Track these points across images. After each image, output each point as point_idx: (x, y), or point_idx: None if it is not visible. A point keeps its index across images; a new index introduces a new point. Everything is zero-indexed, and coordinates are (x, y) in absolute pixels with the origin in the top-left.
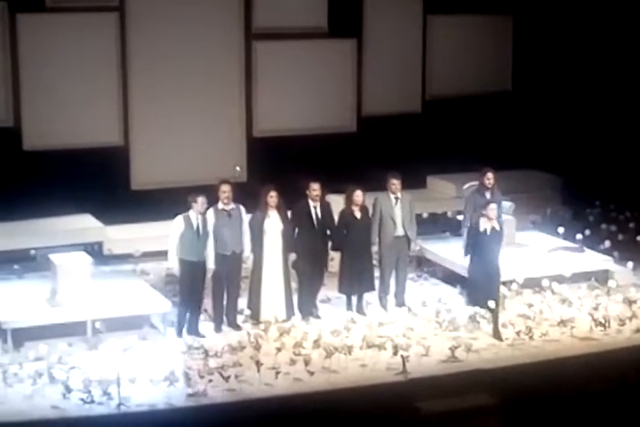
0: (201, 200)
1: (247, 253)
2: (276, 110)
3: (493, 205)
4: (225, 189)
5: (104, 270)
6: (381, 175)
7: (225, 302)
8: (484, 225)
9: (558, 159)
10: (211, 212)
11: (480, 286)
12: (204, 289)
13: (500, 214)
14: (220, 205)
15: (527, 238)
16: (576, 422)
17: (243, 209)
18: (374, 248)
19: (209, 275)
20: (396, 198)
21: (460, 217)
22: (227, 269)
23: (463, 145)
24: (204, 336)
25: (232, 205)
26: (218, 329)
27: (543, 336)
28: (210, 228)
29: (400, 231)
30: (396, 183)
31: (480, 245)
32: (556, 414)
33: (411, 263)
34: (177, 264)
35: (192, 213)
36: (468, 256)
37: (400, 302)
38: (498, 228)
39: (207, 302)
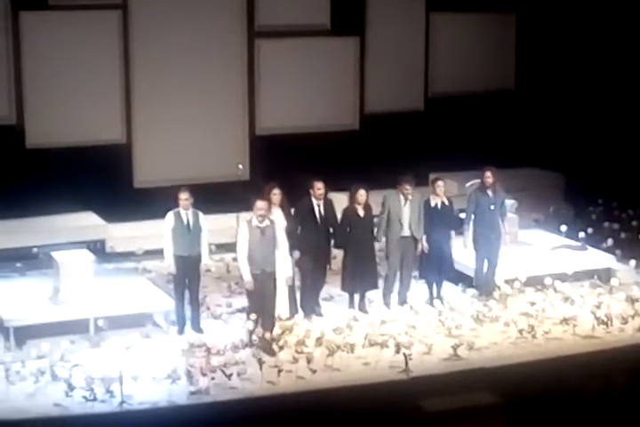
0: (181, 196)
1: (283, 273)
2: (278, 108)
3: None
4: (260, 207)
5: (106, 268)
6: (384, 173)
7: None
8: (434, 200)
9: (561, 157)
10: (244, 227)
11: (432, 262)
12: (199, 285)
13: (504, 213)
14: (255, 222)
15: (530, 236)
16: (578, 421)
17: (277, 226)
18: (378, 246)
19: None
20: (406, 199)
21: (463, 215)
22: (259, 286)
23: (466, 143)
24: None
25: (266, 222)
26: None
27: (546, 334)
28: (202, 224)
29: (406, 232)
30: (408, 189)
31: (431, 221)
32: (559, 412)
33: (415, 262)
34: (173, 262)
35: (182, 209)
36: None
37: (402, 301)
38: (447, 202)
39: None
